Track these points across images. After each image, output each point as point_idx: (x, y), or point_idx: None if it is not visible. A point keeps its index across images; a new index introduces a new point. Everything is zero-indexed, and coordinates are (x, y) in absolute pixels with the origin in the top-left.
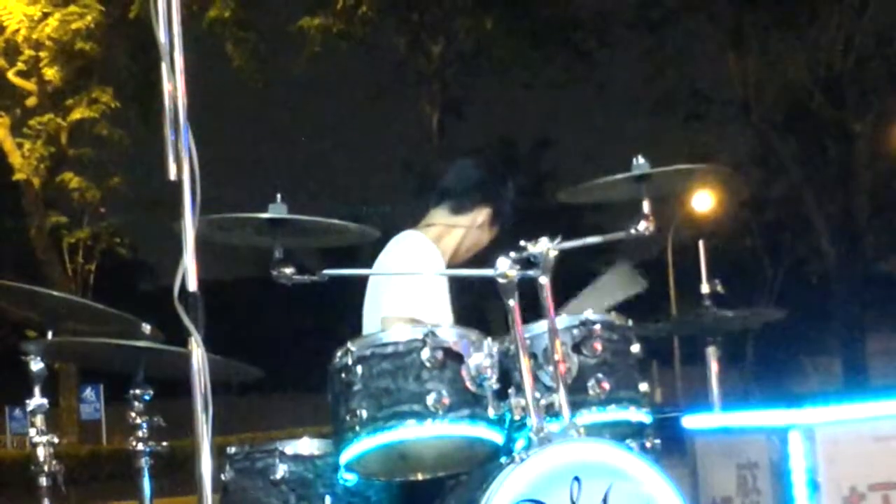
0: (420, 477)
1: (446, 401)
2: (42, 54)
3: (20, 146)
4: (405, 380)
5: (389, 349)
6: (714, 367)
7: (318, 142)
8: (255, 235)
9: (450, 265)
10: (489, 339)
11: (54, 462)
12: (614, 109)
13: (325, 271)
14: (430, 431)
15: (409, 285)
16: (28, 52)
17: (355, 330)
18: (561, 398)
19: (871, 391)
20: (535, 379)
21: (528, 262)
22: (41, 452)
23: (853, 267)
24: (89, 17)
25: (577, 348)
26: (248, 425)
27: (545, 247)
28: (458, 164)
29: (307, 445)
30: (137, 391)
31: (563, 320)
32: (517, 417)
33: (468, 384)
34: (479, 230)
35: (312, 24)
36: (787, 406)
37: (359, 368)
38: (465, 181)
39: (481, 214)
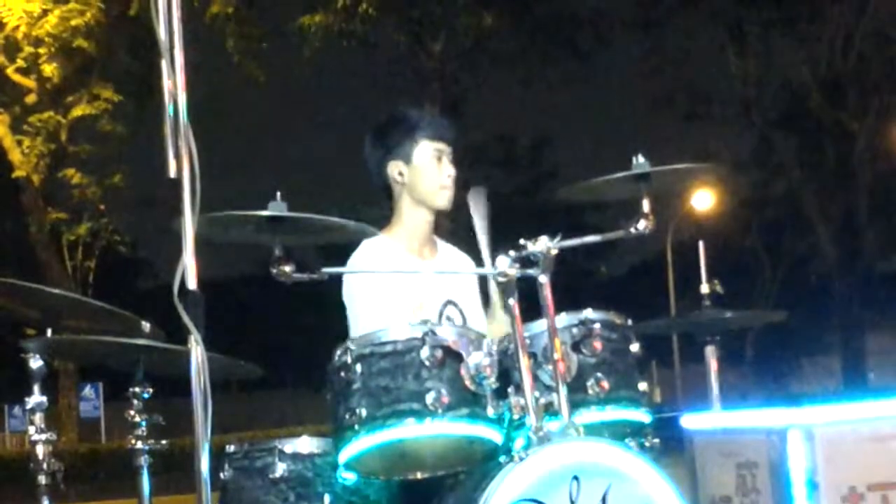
0: (419, 476)
1: (445, 399)
2: (41, 51)
3: (20, 143)
4: (404, 378)
5: (389, 348)
6: (713, 366)
7: (318, 140)
8: (254, 233)
9: (432, 224)
10: (488, 337)
11: (53, 460)
12: (614, 108)
13: (325, 269)
14: (430, 430)
15: (367, 304)
16: (28, 49)
17: None
18: (560, 397)
19: (871, 391)
20: (535, 378)
21: (527, 261)
22: (40, 450)
23: (853, 266)
24: (89, 14)
25: (576, 347)
26: (248, 424)
27: (545, 245)
28: None
29: (306, 444)
30: (137, 389)
31: (562, 319)
32: (516, 416)
33: (467, 383)
34: (414, 179)
35: (313, 22)
36: (787, 405)
37: (358, 367)
38: (368, 169)
39: (394, 173)
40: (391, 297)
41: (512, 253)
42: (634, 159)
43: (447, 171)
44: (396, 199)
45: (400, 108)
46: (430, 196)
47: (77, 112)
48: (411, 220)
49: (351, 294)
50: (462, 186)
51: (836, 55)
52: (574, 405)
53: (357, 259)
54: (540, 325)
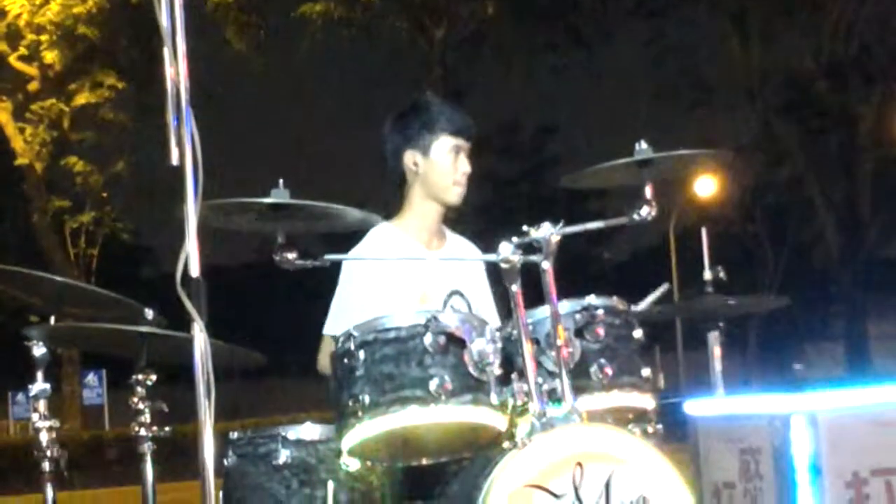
0: (423, 462)
1: (449, 386)
2: (43, 38)
3: (22, 131)
4: (408, 365)
5: (392, 334)
6: (717, 352)
7: (320, 128)
8: (257, 221)
9: (443, 214)
10: (491, 324)
11: (57, 447)
12: (617, 95)
13: (328, 256)
14: (433, 417)
15: (339, 300)
16: (30, 37)
17: None
18: (563, 383)
19: (874, 376)
20: (538, 364)
21: (530, 248)
22: (44, 438)
23: (856, 252)
24: (91, 2)
25: (579, 333)
26: (251, 411)
27: (548, 232)
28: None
29: (310, 431)
30: (140, 377)
31: (565, 305)
32: (520, 403)
33: (471, 369)
34: (429, 171)
35: (314, 10)
36: (790, 391)
37: (361, 353)
38: (384, 152)
39: (409, 162)
40: (392, 286)
41: (515, 239)
42: (637, 146)
43: (462, 168)
44: (409, 187)
45: (424, 96)
46: (442, 191)
47: (79, 100)
48: (421, 210)
49: (344, 278)
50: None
51: (839, 41)
52: (577, 391)
53: (363, 247)
54: (543, 312)
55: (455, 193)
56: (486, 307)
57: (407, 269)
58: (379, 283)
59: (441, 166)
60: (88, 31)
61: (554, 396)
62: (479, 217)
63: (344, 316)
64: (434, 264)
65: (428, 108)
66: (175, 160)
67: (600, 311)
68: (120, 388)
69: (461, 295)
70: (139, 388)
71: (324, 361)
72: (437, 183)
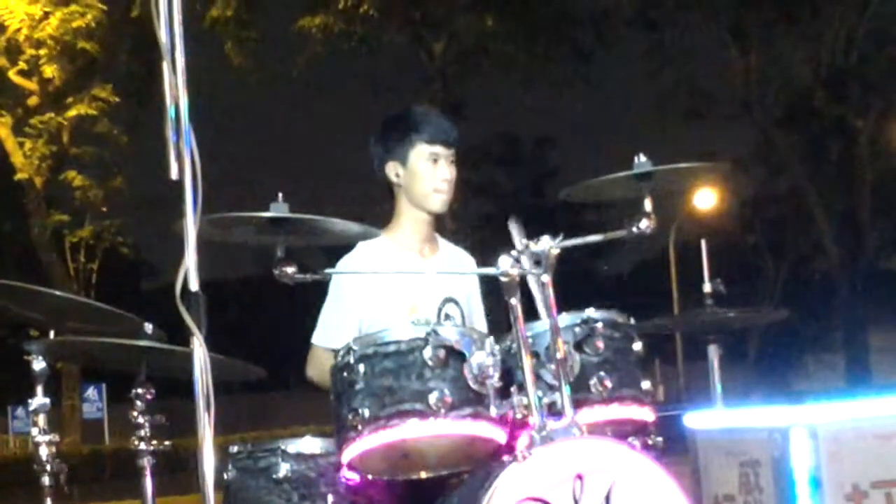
0: (422, 475)
1: (448, 399)
2: (42, 52)
3: (22, 145)
4: (407, 378)
5: (392, 348)
6: (716, 364)
7: (320, 142)
8: (256, 234)
9: (432, 222)
10: (491, 337)
11: (57, 461)
12: (616, 107)
13: (327, 270)
14: (433, 430)
15: (328, 311)
16: (29, 52)
17: None
18: (563, 396)
19: (874, 387)
20: (538, 377)
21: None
22: (43, 452)
23: (856, 264)
24: (90, 16)
25: (579, 346)
26: (251, 424)
27: (547, 245)
28: None
29: (309, 444)
30: (140, 390)
31: (564, 318)
32: (519, 416)
33: (470, 383)
34: (409, 181)
35: (313, 24)
36: (790, 403)
37: (361, 367)
38: (372, 166)
39: (391, 174)
40: (382, 297)
41: (514, 253)
42: (636, 158)
43: (442, 175)
44: (396, 198)
45: (408, 107)
46: (423, 199)
47: (75, 111)
48: (409, 220)
49: (333, 289)
50: (464, 186)
51: (839, 52)
52: (577, 404)
53: (352, 259)
54: (542, 325)
55: (437, 200)
56: (478, 318)
57: (397, 281)
58: (369, 294)
59: (419, 175)
60: (88, 45)
61: (554, 409)
62: (478, 229)
63: (334, 327)
64: (425, 275)
65: (405, 119)
66: (175, 174)
67: (600, 324)
68: (120, 401)
69: (455, 302)
70: (139, 402)
71: (312, 370)
72: (418, 192)
